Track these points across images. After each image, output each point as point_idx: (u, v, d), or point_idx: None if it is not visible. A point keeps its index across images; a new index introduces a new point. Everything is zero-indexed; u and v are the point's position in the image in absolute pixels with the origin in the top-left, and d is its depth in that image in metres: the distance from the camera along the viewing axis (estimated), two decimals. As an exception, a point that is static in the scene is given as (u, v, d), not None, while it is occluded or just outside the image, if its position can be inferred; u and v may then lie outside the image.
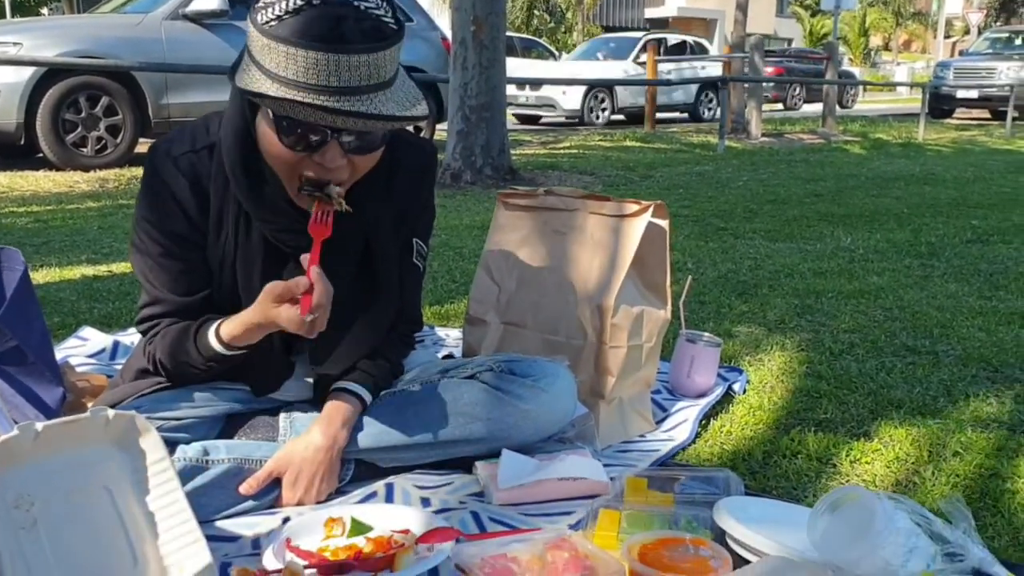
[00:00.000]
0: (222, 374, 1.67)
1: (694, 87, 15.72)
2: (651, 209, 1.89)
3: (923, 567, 1.20)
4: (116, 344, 2.46)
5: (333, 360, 1.70)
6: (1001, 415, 2.12)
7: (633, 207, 1.91)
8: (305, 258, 1.45)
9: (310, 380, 1.76)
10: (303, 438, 1.64)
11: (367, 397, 1.71)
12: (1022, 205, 5.80)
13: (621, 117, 15.29)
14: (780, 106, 20.63)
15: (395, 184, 1.67)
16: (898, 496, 1.24)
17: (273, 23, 1.34)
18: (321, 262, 1.46)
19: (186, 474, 1.51)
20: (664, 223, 1.94)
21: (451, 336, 2.72)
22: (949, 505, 1.24)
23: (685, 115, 16.39)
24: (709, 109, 16.19)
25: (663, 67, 14.71)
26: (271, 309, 1.45)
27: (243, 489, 1.59)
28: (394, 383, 1.80)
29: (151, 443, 1.28)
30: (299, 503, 1.62)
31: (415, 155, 1.70)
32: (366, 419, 1.71)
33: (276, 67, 1.34)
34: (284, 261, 1.60)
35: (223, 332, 1.55)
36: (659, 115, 14.06)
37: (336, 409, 1.67)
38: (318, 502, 1.63)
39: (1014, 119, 14.01)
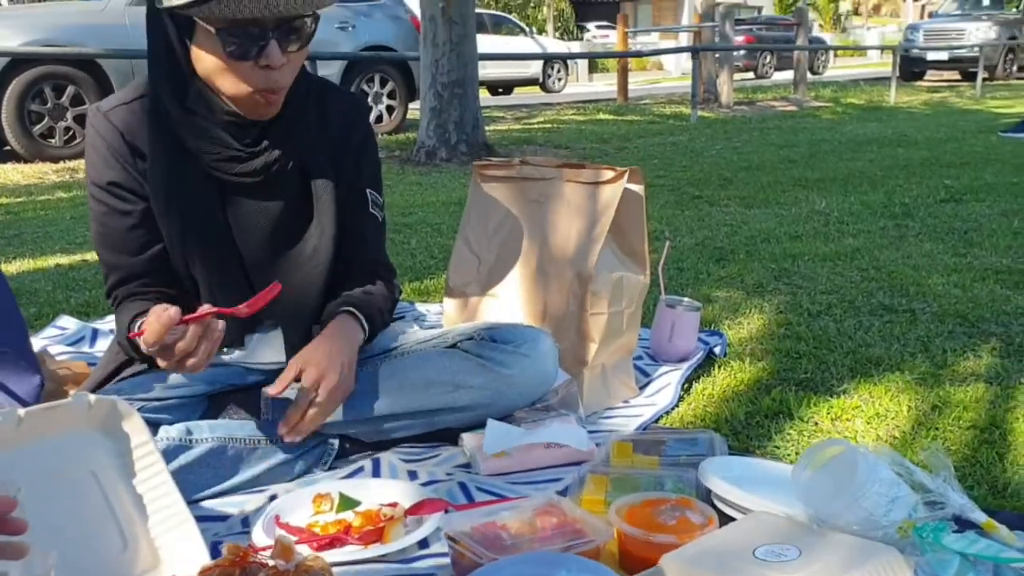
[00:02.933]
0: None
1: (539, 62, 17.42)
2: (626, 175, 1.90)
3: (904, 516, 1.22)
4: (95, 332, 2.44)
5: (294, 312, 1.66)
6: (978, 369, 2.14)
7: (609, 173, 1.91)
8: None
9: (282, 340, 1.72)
10: (313, 344, 1.59)
11: (361, 318, 1.66)
12: (994, 163, 5.84)
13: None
14: (751, 75, 20.65)
15: (327, 126, 1.67)
16: (879, 447, 1.26)
17: None
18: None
19: (170, 454, 1.50)
20: (640, 188, 1.95)
21: (431, 312, 2.72)
22: (929, 454, 1.26)
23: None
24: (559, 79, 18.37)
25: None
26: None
27: (269, 391, 1.54)
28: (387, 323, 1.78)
29: (134, 426, 1.28)
30: (324, 385, 1.55)
31: (343, 99, 1.72)
32: (348, 391, 1.70)
33: None
34: (224, 196, 1.59)
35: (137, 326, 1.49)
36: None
37: (336, 325, 1.62)
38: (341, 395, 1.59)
39: (984, 79, 14.09)
